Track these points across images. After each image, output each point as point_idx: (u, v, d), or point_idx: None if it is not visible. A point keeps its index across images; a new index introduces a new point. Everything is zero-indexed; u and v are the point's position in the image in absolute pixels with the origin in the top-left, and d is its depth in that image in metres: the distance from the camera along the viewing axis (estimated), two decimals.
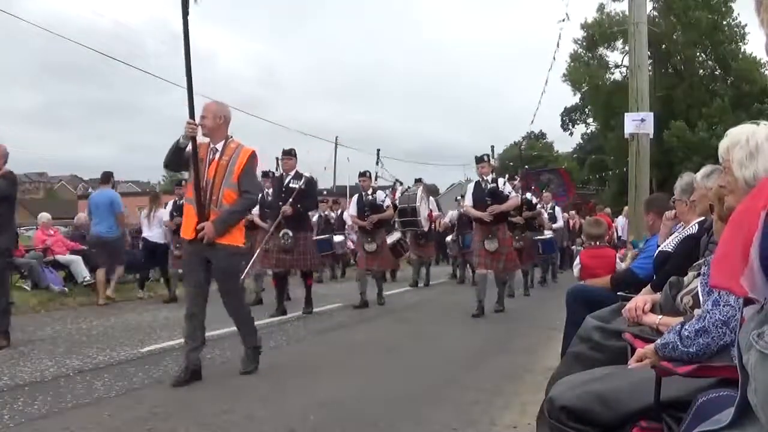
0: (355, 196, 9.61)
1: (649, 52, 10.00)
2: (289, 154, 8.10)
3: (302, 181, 7.92)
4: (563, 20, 10.02)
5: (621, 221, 14.80)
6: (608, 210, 18.73)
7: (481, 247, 8.01)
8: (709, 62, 32.68)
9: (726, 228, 1.10)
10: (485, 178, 8.01)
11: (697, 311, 2.11)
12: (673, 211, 4.01)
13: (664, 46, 31.01)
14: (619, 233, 14.44)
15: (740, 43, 30.95)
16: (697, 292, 2.29)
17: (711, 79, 32.61)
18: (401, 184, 11.95)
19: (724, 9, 30.57)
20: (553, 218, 12.95)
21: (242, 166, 4.66)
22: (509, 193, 8.10)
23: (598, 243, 5.77)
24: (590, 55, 34.65)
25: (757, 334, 0.97)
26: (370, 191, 9.28)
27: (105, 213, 9.24)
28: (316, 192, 8.29)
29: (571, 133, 40.11)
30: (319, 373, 4.89)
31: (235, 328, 6.91)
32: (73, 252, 10.48)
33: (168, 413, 3.81)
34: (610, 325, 2.80)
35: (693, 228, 3.43)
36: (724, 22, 30.89)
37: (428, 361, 5.27)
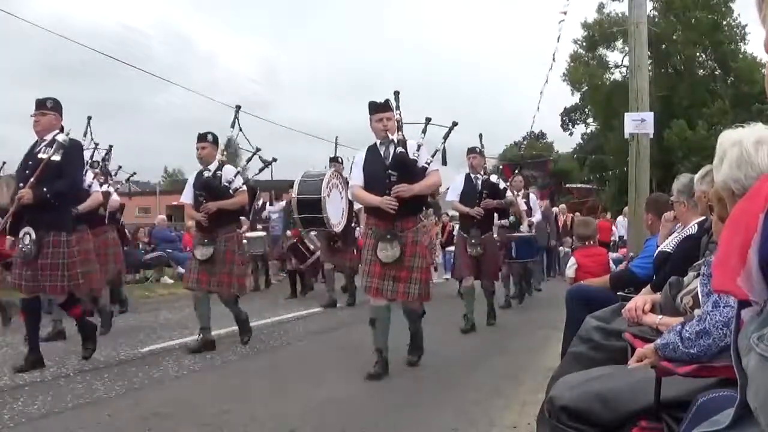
0: (192, 176, 6.13)
1: (649, 52, 9.99)
2: (43, 106, 5.05)
3: (54, 148, 4.85)
4: (562, 21, 10.03)
5: (622, 221, 14.80)
6: (608, 216, 18.72)
7: (373, 259, 4.76)
8: (709, 62, 32.68)
9: (724, 230, 1.10)
10: (390, 137, 4.80)
11: (697, 311, 2.11)
12: (672, 213, 4.02)
13: (664, 46, 31.01)
14: (621, 233, 14.44)
15: (740, 44, 30.97)
16: (697, 292, 2.29)
17: (711, 79, 32.59)
18: (271, 161, 7.19)
19: (724, 9, 30.57)
20: (528, 210, 9.78)
21: None
22: (427, 163, 4.85)
23: (589, 243, 5.79)
24: (590, 55, 34.64)
25: (758, 337, 0.97)
26: (213, 166, 5.81)
27: (281, 221, 11.56)
28: (77, 167, 5.21)
29: (571, 133, 40.09)
30: (320, 373, 4.89)
31: (236, 328, 6.91)
32: None
33: (168, 413, 3.81)
34: (610, 325, 2.80)
35: (692, 228, 3.43)
36: (724, 22, 30.89)
37: (428, 361, 5.27)
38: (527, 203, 9.68)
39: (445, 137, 5.37)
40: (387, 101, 4.90)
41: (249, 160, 6.47)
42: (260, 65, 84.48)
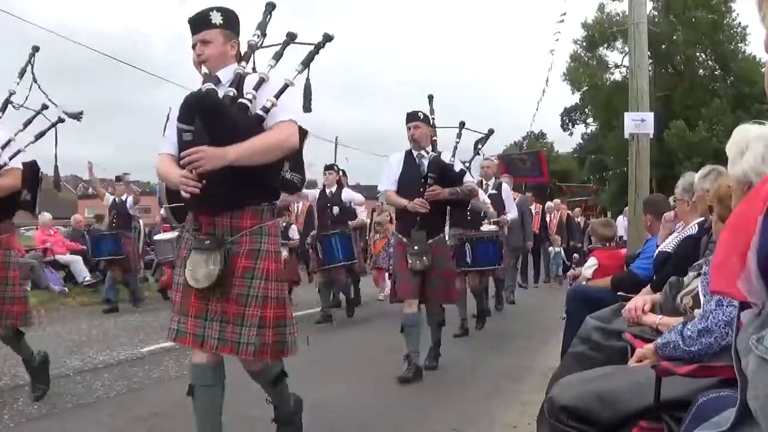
0: None
1: (649, 52, 9.98)
2: None
3: None
4: (561, 20, 10.02)
5: (622, 221, 14.71)
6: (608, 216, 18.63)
7: (183, 283, 2.72)
8: (709, 62, 32.70)
9: (723, 231, 1.11)
10: (204, 69, 2.76)
11: (697, 311, 2.11)
12: (673, 212, 4.02)
13: (664, 46, 31.01)
14: (620, 233, 14.35)
15: (740, 44, 31.00)
16: (697, 292, 2.30)
17: (711, 79, 32.62)
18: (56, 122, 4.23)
19: (724, 9, 30.58)
20: (499, 204, 7.46)
21: None
22: (265, 110, 2.66)
23: (610, 244, 5.74)
24: (590, 55, 34.65)
25: (756, 339, 0.97)
26: None
27: None
28: None
29: (571, 133, 40.15)
30: (319, 373, 4.89)
31: None
32: (73, 252, 10.50)
33: (168, 413, 3.81)
34: (610, 325, 2.80)
35: (693, 228, 3.44)
36: (724, 22, 30.91)
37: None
38: (497, 195, 7.60)
39: (306, 62, 2.91)
40: (206, 12, 2.77)
41: (29, 121, 4.13)
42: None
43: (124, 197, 9.08)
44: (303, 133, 2.82)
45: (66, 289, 9.85)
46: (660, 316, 2.54)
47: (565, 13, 10.06)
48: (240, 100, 2.66)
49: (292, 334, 2.78)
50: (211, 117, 2.58)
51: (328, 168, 7.89)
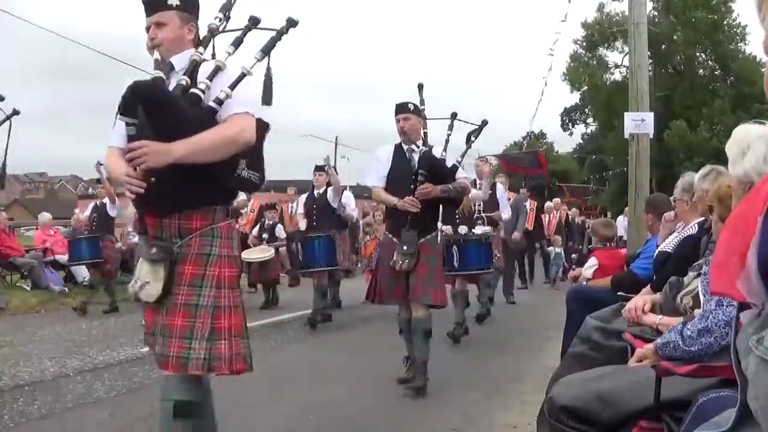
0: None
1: (649, 52, 9.97)
2: None
3: None
4: (563, 20, 10.03)
5: (622, 221, 14.66)
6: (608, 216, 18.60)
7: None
8: (709, 62, 32.71)
9: (723, 231, 1.11)
10: (156, 54, 2.49)
11: (697, 311, 2.11)
12: (673, 212, 4.02)
13: (664, 46, 31.01)
14: (620, 233, 14.30)
15: (740, 44, 31.02)
16: (697, 292, 2.30)
17: (711, 79, 32.63)
18: (12, 113, 4.06)
19: (724, 9, 30.60)
20: (493, 204, 7.17)
21: None
22: (218, 101, 2.36)
23: (610, 244, 5.75)
24: (590, 55, 34.66)
25: (757, 339, 0.97)
26: None
27: None
28: None
29: (571, 133, 40.20)
30: (319, 373, 4.90)
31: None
32: None
33: None
34: (610, 325, 2.80)
35: (693, 228, 3.44)
36: (724, 22, 30.92)
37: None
38: (493, 196, 7.14)
39: (267, 50, 2.59)
40: None
41: None
42: (260, 65, 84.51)
43: (105, 200, 8.64)
44: (264, 127, 2.56)
45: (66, 289, 9.85)
46: (660, 316, 2.54)
47: (566, 14, 10.04)
48: (192, 90, 2.37)
49: (247, 348, 2.49)
50: (155, 108, 2.30)
51: (318, 169, 7.67)
